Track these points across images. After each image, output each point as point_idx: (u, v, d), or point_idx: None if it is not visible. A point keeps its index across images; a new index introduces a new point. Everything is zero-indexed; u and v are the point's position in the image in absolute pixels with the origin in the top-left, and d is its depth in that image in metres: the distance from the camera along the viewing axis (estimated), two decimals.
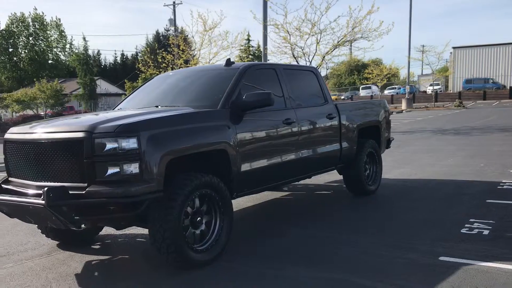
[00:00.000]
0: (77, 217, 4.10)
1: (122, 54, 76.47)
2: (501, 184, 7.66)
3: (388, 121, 8.09)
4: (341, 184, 8.47)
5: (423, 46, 48.95)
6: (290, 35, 19.69)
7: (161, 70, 23.73)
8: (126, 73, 64.57)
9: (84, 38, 40.04)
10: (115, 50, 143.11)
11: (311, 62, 20.03)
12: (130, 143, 3.98)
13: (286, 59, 20.72)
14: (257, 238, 5.38)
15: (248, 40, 61.55)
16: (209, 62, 23.49)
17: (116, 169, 3.97)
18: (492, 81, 50.63)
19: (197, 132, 4.56)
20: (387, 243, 4.92)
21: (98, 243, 5.56)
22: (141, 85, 6.43)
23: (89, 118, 4.68)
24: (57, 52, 68.24)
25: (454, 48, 53.23)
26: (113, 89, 57.25)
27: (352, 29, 19.66)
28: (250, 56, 45.32)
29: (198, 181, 4.40)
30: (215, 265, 4.50)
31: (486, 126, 19.35)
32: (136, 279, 4.29)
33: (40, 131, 4.34)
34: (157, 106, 5.27)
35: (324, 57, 20.26)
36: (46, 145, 4.21)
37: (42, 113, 34.63)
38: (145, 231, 5.54)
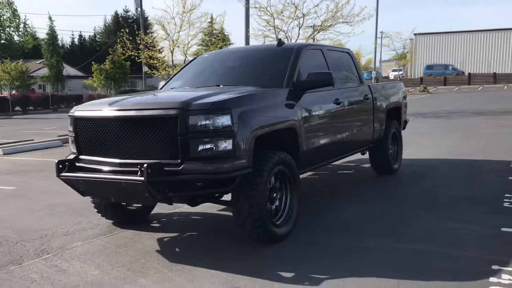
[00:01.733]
0: (170, 193, 4.14)
1: (80, 36, 74.13)
2: (510, 162, 8.12)
3: (406, 103, 8.40)
4: (358, 164, 8.77)
5: (382, 32, 50.00)
6: (274, 18, 19.77)
7: (139, 51, 23.29)
8: (85, 55, 62.67)
9: (50, 18, 38.45)
10: (72, 31, 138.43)
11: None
12: (224, 120, 4.05)
13: (270, 43, 20.79)
14: (314, 213, 5.54)
15: (211, 22, 60.97)
16: (187, 45, 23.30)
17: (210, 146, 4.04)
18: (452, 67, 52.50)
19: (276, 110, 4.69)
20: (446, 217, 5.19)
21: (155, 222, 5.59)
22: (185, 65, 6.41)
23: (177, 95, 4.69)
24: (10, 32, 65.21)
25: (415, 34, 54.65)
26: (73, 71, 55.47)
27: (335, 14, 19.95)
28: (213, 39, 44.87)
29: (277, 158, 4.53)
30: (293, 239, 4.64)
31: (461, 110, 20.18)
32: (220, 254, 4.37)
33: (126, 108, 4.30)
34: (218, 85, 5.30)
35: (307, 41, 20.45)
36: (135, 122, 4.20)
37: (6, 95, 33.28)
38: (194, 209, 5.65)
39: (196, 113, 4.03)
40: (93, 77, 40.43)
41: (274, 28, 20.04)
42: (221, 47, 24.94)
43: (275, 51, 5.77)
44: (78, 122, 4.66)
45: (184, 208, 5.96)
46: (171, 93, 5.20)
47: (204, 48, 42.55)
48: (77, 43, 73.32)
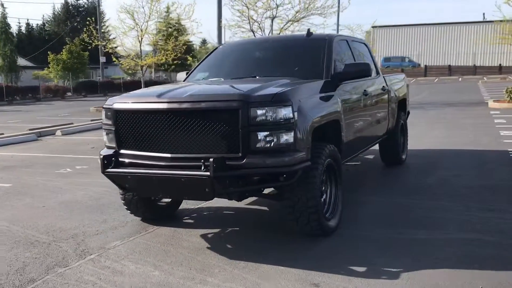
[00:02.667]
0: (232, 188, 4.00)
1: (28, 24, 70.74)
2: (510, 152, 8.40)
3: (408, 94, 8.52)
4: (361, 156, 8.81)
5: (340, 25, 50.64)
6: (248, 9, 19.59)
7: (107, 41, 22.52)
8: (33, 45, 59.92)
9: (2, 5, 36.14)
10: (18, 19, 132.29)
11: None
12: (286, 112, 3.94)
13: (243, 33, 20.64)
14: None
15: (168, 12, 59.79)
16: (156, 34, 22.75)
17: (271, 139, 3.93)
18: (409, 60, 53.90)
19: (324, 101, 4.62)
20: (475, 207, 5.28)
21: (186, 217, 5.41)
22: (208, 56, 6.17)
23: (232, 87, 4.51)
24: None
25: (373, 27, 55.64)
26: (22, 61, 52.81)
27: (308, 6, 19.99)
28: (169, 29, 44.00)
29: (328, 151, 4.46)
30: (337, 232, 4.60)
31: (431, 102, 20.70)
32: (279, 250, 4.27)
33: (180, 100, 4.10)
34: (254, 76, 5.15)
35: (280, 32, 20.40)
36: (190, 115, 4.02)
37: None
38: (221, 203, 5.51)
39: (258, 105, 3.90)
40: (49, 68, 38.71)
41: (248, 19, 19.85)
42: (176, 38, 24.21)
43: (305, 41, 5.68)
44: (119, 115, 4.41)
45: (208, 203, 5.76)
46: (221, 84, 5.01)
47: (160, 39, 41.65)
48: (24, 31, 69.96)
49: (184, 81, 5.81)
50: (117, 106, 4.44)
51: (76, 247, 4.51)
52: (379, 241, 4.40)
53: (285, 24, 20.54)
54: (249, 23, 20.01)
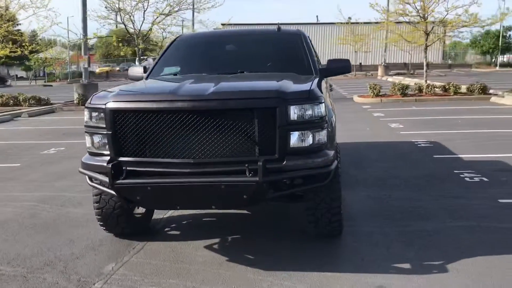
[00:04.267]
0: (273, 192, 3.66)
1: None
2: (416, 143, 9.21)
3: None
4: None
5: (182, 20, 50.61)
6: (119, 0, 18.41)
7: None
8: None
9: None
10: None
11: (140, 29, 19.20)
12: (320, 110, 3.74)
13: (110, 25, 19.36)
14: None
15: None
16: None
17: (308, 138, 3.70)
18: None
19: (327, 98, 4.49)
20: (441, 196, 5.66)
21: (168, 229, 4.86)
22: (167, 48, 5.51)
23: (260, 82, 4.10)
24: None
25: (223, 24, 56.58)
26: None
27: (180, 1, 19.55)
28: None
29: (338, 149, 4.38)
30: (349, 230, 4.55)
31: None
32: (300, 254, 4.07)
33: (203, 98, 3.60)
34: (242, 72, 4.78)
35: (152, 25, 19.60)
36: (217, 114, 3.56)
37: None
38: (193, 211, 5.16)
39: (295, 102, 3.62)
40: None
41: (118, 10, 18.64)
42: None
43: (281, 35, 5.50)
44: (118, 116, 3.71)
45: (175, 212, 5.24)
46: (245, 80, 4.51)
47: None
48: None
49: (147, 77, 5.14)
50: (115, 105, 3.73)
51: (66, 277, 3.73)
52: (390, 235, 4.45)
53: (157, 18, 19.79)
54: (120, 14, 18.83)
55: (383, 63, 40.73)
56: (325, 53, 53.86)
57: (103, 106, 3.76)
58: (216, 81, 3.98)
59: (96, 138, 3.87)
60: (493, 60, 55.96)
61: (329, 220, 4.13)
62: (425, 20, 18.17)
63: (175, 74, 5.06)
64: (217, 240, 4.46)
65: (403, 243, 4.23)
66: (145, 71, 5.36)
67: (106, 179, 3.63)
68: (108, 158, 3.77)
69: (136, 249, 4.27)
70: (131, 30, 19.22)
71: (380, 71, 39.66)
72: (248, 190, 3.49)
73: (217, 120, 3.55)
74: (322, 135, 3.76)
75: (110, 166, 3.55)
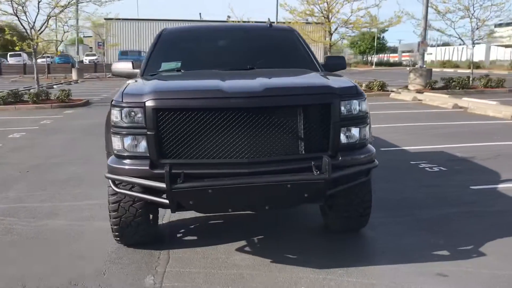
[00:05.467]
0: (329, 190, 3.60)
1: None
2: None
3: None
4: None
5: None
6: None
7: None
8: None
9: None
10: None
11: (35, 21, 17.62)
12: (365, 105, 3.80)
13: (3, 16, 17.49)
14: None
15: None
16: None
17: (357, 133, 3.74)
18: (145, 54, 54.31)
19: None
20: (421, 186, 6.05)
21: (180, 234, 4.55)
22: (156, 43, 5.08)
23: (315, 79, 3.96)
24: None
25: (106, 19, 54.03)
26: None
27: None
28: None
29: None
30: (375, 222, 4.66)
31: None
32: (339, 247, 4.09)
33: (258, 95, 3.43)
34: (252, 68, 4.62)
35: (49, 18, 18.03)
36: (275, 111, 3.45)
37: None
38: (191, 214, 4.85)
39: (346, 98, 3.64)
40: None
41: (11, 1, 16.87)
42: None
43: (277, 31, 5.50)
44: (162, 115, 3.40)
45: (173, 216, 4.91)
46: (282, 76, 4.34)
47: None
48: None
49: (143, 73, 4.75)
50: (157, 103, 3.41)
51: None
52: (405, 224, 4.64)
53: (53, 10, 18.26)
54: (11, 5, 17.06)
55: None
56: None
57: (142, 104, 3.42)
58: (252, 78, 3.84)
59: (131, 140, 3.51)
60: (370, 59, 60.60)
61: (360, 214, 4.19)
62: (329, 21, 19.07)
63: (178, 70, 4.74)
64: (242, 242, 4.28)
65: (426, 232, 4.44)
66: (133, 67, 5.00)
67: (155, 183, 3.33)
68: (147, 161, 3.45)
69: (163, 259, 3.94)
70: (25, 23, 17.52)
71: None
72: (312, 188, 3.41)
73: (271, 117, 3.44)
74: (367, 131, 3.82)
75: (167, 170, 3.23)
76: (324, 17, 19.06)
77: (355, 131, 3.71)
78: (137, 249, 4.14)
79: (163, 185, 3.26)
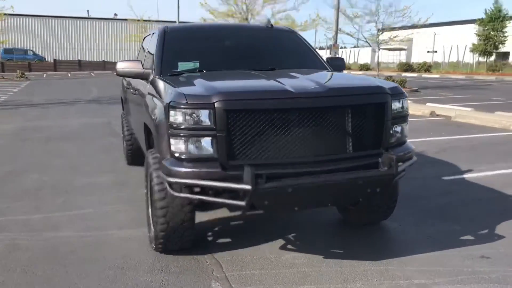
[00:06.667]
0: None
1: None
2: None
3: None
4: None
5: None
6: None
7: None
8: None
9: None
10: None
11: None
12: (407, 104, 4.06)
13: None
14: None
15: None
16: None
17: (401, 131, 3.99)
18: (33, 53, 50.66)
19: None
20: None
21: (210, 236, 4.44)
22: (162, 41, 4.84)
23: (366, 80, 4.08)
24: None
25: (5, 14, 49.50)
26: None
27: None
28: None
29: None
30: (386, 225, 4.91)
31: (103, 98, 18.96)
32: (374, 240, 4.29)
33: (322, 95, 3.53)
34: (273, 68, 4.64)
35: None
36: (337, 111, 3.57)
37: None
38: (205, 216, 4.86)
39: (395, 97, 3.87)
40: None
41: None
42: None
43: (282, 32, 5.61)
44: (234, 116, 3.35)
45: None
46: (342, 76, 4.59)
47: None
48: None
49: (161, 74, 4.51)
50: (228, 104, 3.33)
51: None
52: (418, 214, 4.96)
53: None
54: None
55: None
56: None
57: (211, 106, 3.33)
58: (297, 78, 3.97)
59: (196, 142, 3.39)
60: None
61: (387, 206, 4.43)
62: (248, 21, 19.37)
63: (200, 70, 4.60)
64: (279, 242, 4.30)
65: (440, 220, 4.79)
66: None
67: (236, 185, 3.26)
68: (216, 163, 3.37)
69: (212, 263, 3.85)
70: None
71: None
72: (379, 183, 3.56)
73: (333, 116, 3.55)
74: (407, 128, 4.06)
75: (251, 171, 3.18)
76: (243, 19, 19.32)
77: (400, 128, 3.94)
78: (176, 255, 3.98)
79: (247, 186, 3.20)
